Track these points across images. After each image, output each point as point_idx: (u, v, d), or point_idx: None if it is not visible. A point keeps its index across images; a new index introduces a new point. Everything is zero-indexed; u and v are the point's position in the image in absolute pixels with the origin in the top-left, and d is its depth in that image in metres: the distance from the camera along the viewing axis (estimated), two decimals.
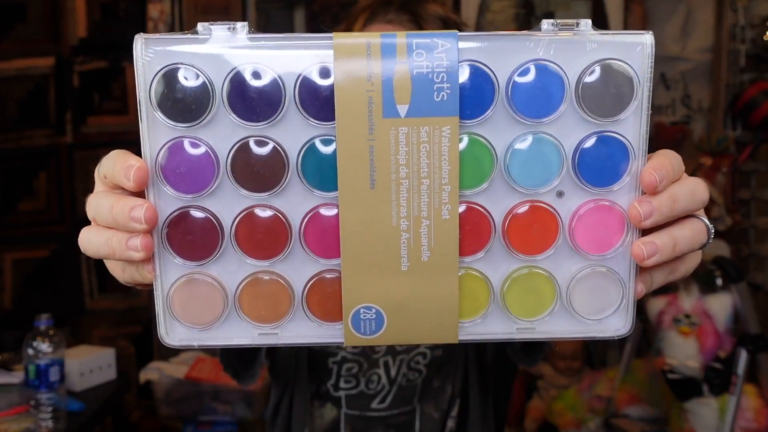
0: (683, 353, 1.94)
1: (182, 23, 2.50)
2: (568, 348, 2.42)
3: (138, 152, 0.38)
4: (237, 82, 0.34)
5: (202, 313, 0.37)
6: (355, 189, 0.35)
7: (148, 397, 2.21)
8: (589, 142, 0.36)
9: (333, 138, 0.35)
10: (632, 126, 0.35)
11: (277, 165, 0.35)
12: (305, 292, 0.37)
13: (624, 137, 0.35)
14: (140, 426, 2.28)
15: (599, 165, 0.36)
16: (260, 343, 0.38)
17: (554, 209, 0.36)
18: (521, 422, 2.47)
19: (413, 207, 0.35)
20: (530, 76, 0.35)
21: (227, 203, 0.36)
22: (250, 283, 0.37)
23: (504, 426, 0.96)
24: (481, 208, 0.36)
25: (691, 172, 2.69)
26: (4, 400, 1.43)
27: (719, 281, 2.19)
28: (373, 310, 0.36)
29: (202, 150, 0.35)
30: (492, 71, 0.34)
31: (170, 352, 2.41)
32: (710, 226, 0.39)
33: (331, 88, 0.34)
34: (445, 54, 0.33)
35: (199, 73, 0.34)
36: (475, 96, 0.35)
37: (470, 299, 0.37)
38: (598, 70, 0.35)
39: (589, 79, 0.35)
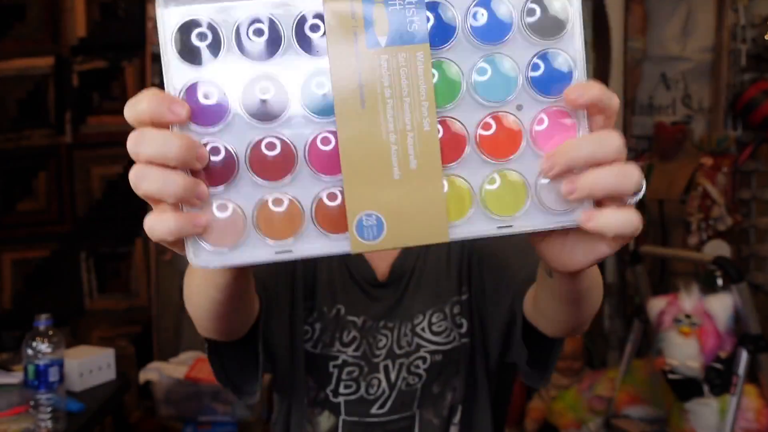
0: (684, 353, 1.94)
1: None
2: (568, 348, 2.43)
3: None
4: (242, 26, 0.41)
5: (225, 236, 0.42)
6: (348, 109, 0.41)
7: (148, 397, 2.21)
8: (538, 59, 0.43)
9: (326, 77, 0.42)
10: (571, 43, 0.43)
11: (281, 101, 0.41)
12: (313, 209, 0.43)
13: (565, 51, 0.43)
14: (140, 426, 2.28)
15: (548, 77, 0.43)
16: (278, 259, 0.43)
17: (517, 117, 0.44)
18: (521, 422, 2.47)
19: (398, 121, 0.42)
20: (484, 9, 0.42)
21: (240, 136, 0.42)
22: (264, 205, 0.42)
23: (504, 427, 0.95)
24: (455, 121, 0.43)
25: (692, 171, 2.69)
26: (4, 400, 1.43)
27: (720, 281, 2.19)
28: (374, 217, 0.42)
29: (216, 93, 0.41)
30: (452, 5, 0.42)
31: (170, 353, 2.41)
32: (642, 184, 0.43)
33: (322, 26, 0.41)
34: None
35: (213, 23, 0.40)
36: (441, 28, 0.42)
37: (456, 202, 0.43)
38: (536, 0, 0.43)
39: (529, 8, 0.43)
